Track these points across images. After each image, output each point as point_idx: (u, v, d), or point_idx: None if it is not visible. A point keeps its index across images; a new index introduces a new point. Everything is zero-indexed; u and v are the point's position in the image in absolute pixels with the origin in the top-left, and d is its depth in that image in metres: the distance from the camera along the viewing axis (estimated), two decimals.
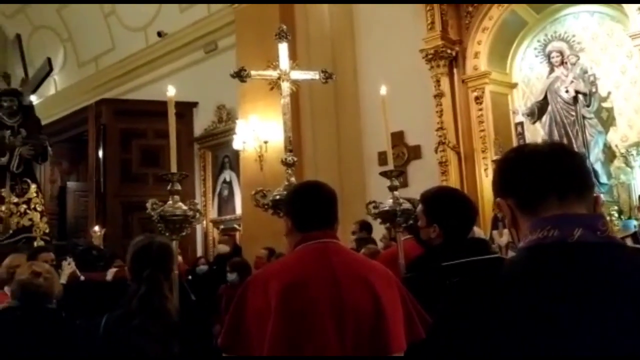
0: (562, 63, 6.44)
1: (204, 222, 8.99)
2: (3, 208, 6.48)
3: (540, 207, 1.05)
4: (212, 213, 9.35)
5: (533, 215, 1.05)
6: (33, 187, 6.74)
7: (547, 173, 1.06)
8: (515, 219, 1.10)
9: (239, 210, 8.69)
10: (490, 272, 1.05)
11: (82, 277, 4.31)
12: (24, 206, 6.57)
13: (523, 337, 0.90)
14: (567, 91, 6.34)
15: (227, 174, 9.27)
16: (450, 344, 0.97)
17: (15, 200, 6.57)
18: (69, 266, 4.29)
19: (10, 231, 6.43)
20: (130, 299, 2.23)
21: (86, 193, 9.87)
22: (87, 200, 9.76)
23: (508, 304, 0.94)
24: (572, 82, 6.33)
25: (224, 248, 7.19)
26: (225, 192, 9.27)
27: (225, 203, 9.28)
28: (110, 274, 4.41)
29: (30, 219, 6.54)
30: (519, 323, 0.91)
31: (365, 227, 5.74)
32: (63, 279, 4.20)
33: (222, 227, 9.12)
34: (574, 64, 6.37)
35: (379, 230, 5.31)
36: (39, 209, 6.72)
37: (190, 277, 5.52)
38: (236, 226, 8.77)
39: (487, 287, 1.01)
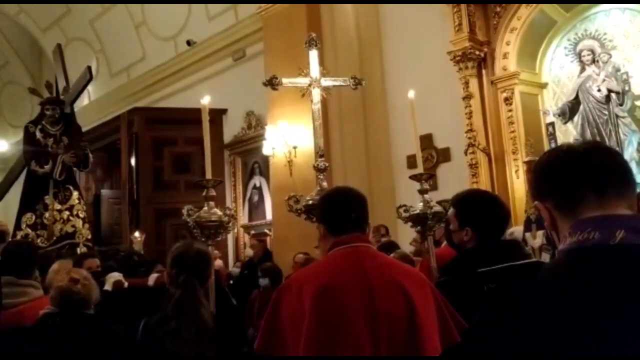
0: (594, 61, 6.35)
1: (235, 227, 9.09)
2: (47, 215, 6.58)
3: (579, 207, 1.01)
4: (243, 218, 9.44)
5: (572, 216, 1.02)
6: (75, 194, 6.84)
7: (583, 170, 1.03)
8: (555, 221, 1.06)
9: (269, 215, 8.76)
10: (529, 277, 1.03)
11: (126, 284, 4.37)
12: (67, 213, 6.65)
13: (563, 342, 0.88)
14: (599, 90, 6.25)
15: (257, 180, 9.36)
16: (488, 351, 0.96)
17: (58, 207, 6.68)
18: (115, 274, 4.36)
19: (54, 237, 6.54)
20: (167, 304, 2.29)
21: (119, 200, 10.05)
22: (120, 208, 9.94)
23: (547, 309, 0.91)
24: (604, 80, 6.24)
25: (248, 252, 7.30)
26: (256, 198, 9.36)
27: (255, 208, 9.36)
28: (152, 279, 4.47)
29: (73, 226, 6.62)
30: (559, 328, 0.89)
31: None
32: (108, 286, 4.27)
33: (252, 232, 9.20)
34: (605, 62, 6.27)
35: (407, 234, 5.31)
36: (81, 215, 6.81)
37: (231, 281, 5.57)
38: (267, 231, 8.85)
39: (526, 292, 0.98)
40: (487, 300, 1.03)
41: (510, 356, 0.92)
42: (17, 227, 6.63)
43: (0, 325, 2.43)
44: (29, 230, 6.53)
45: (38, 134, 6.81)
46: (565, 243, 1.00)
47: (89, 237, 6.77)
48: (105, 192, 10.62)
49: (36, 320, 2.55)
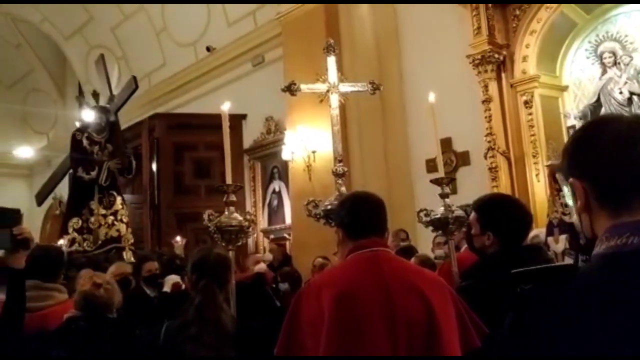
0: (615, 64, 6.27)
1: (255, 232, 9.14)
2: (92, 220, 6.71)
3: (623, 205, 0.97)
4: (263, 223, 9.47)
5: (612, 212, 0.98)
6: (119, 199, 6.96)
7: (635, 165, 0.96)
8: (589, 204, 1.01)
9: (288, 219, 8.78)
10: (563, 281, 0.98)
11: (184, 286, 4.46)
12: (111, 218, 6.78)
13: (600, 346, 0.86)
14: (621, 92, 6.17)
15: (277, 184, 9.39)
16: (520, 355, 0.94)
17: (103, 212, 6.80)
18: (173, 277, 4.46)
19: (99, 242, 6.66)
20: (187, 309, 2.31)
21: (141, 205, 10.13)
22: (142, 212, 10.03)
23: (584, 314, 0.90)
24: (626, 83, 6.16)
25: (267, 256, 7.33)
26: (275, 202, 9.38)
27: (275, 213, 9.39)
28: None
29: (118, 230, 6.74)
30: (593, 333, 0.87)
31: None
32: (167, 288, 4.38)
33: (272, 236, 9.23)
34: (627, 65, 6.19)
35: (427, 238, 5.28)
36: (124, 220, 6.92)
37: (274, 285, 5.60)
38: (286, 235, 8.87)
39: (562, 296, 0.94)
40: (521, 302, 1.00)
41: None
42: (64, 231, 6.78)
43: (26, 328, 2.48)
44: (76, 235, 6.67)
45: (85, 142, 6.95)
46: (601, 247, 0.98)
47: (132, 241, 6.88)
48: (127, 197, 10.67)
49: (60, 324, 2.60)
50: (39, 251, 2.90)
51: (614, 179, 0.98)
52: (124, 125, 10.83)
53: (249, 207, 9.25)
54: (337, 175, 3.34)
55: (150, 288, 4.46)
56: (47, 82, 14.80)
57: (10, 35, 13.88)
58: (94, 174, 6.81)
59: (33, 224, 12.44)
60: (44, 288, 2.86)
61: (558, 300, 0.94)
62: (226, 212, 2.71)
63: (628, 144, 0.98)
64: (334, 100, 3.43)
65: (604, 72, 6.36)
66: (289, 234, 8.65)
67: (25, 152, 15.19)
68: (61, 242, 6.53)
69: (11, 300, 2.41)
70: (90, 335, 2.54)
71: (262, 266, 5.27)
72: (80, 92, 7.52)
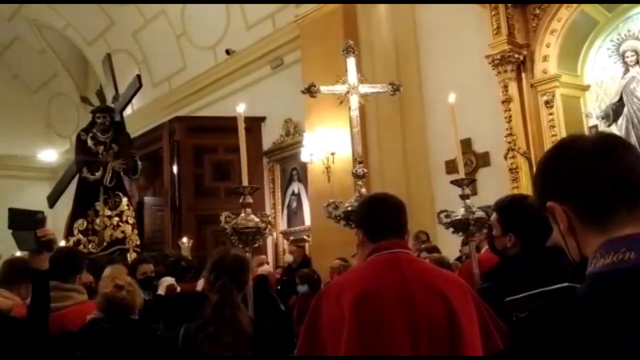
0: (637, 62, 6.19)
1: (274, 233, 9.16)
2: (97, 221, 6.67)
3: (609, 221, 0.92)
4: (282, 225, 9.50)
5: (598, 229, 0.94)
6: (124, 200, 6.92)
7: (613, 177, 0.92)
8: (574, 227, 0.97)
9: (307, 221, 8.80)
10: (560, 305, 0.94)
11: (179, 289, 4.42)
12: (117, 219, 6.73)
13: None
14: None
15: (296, 186, 9.41)
16: None
17: (109, 213, 6.76)
18: (167, 279, 4.43)
19: (104, 243, 6.63)
20: (205, 309, 2.32)
21: (162, 207, 10.24)
22: (163, 214, 10.13)
23: (583, 341, 0.85)
24: None
25: (287, 258, 7.33)
26: (294, 204, 9.41)
27: (294, 214, 9.41)
28: (200, 284, 4.53)
29: (123, 231, 6.67)
30: (600, 355, 0.83)
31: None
32: (161, 291, 4.33)
33: (291, 238, 9.25)
34: None
35: (446, 240, 5.25)
36: (130, 221, 6.87)
37: (279, 287, 5.55)
38: (305, 237, 8.88)
39: (558, 323, 0.89)
40: (517, 333, 0.96)
41: None
42: (70, 232, 6.75)
43: None
44: (81, 236, 6.63)
45: (89, 142, 6.93)
46: (596, 265, 0.93)
47: (138, 242, 6.84)
48: (148, 199, 10.83)
49: (83, 326, 2.64)
50: (59, 253, 2.95)
51: (593, 195, 0.94)
52: (145, 128, 11.00)
53: (268, 209, 9.29)
54: (357, 176, 3.33)
55: (144, 291, 4.43)
56: (70, 87, 15.04)
57: (34, 41, 14.13)
58: (98, 174, 6.76)
59: (56, 226, 12.60)
60: (64, 289, 2.90)
61: (555, 328, 0.89)
62: (243, 214, 2.72)
63: (599, 156, 0.94)
64: (354, 101, 3.42)
65: (626, 71, 6.28)
66: (308, 236, 8.67)
67: (49, 155, 15.44)
68: (63, 243, 6.42)
69: (36, 301, 2.45)
70: (113, 336, 2.57)
71: (265, 268, 5.21)
72: (102, 100, 7.50)
